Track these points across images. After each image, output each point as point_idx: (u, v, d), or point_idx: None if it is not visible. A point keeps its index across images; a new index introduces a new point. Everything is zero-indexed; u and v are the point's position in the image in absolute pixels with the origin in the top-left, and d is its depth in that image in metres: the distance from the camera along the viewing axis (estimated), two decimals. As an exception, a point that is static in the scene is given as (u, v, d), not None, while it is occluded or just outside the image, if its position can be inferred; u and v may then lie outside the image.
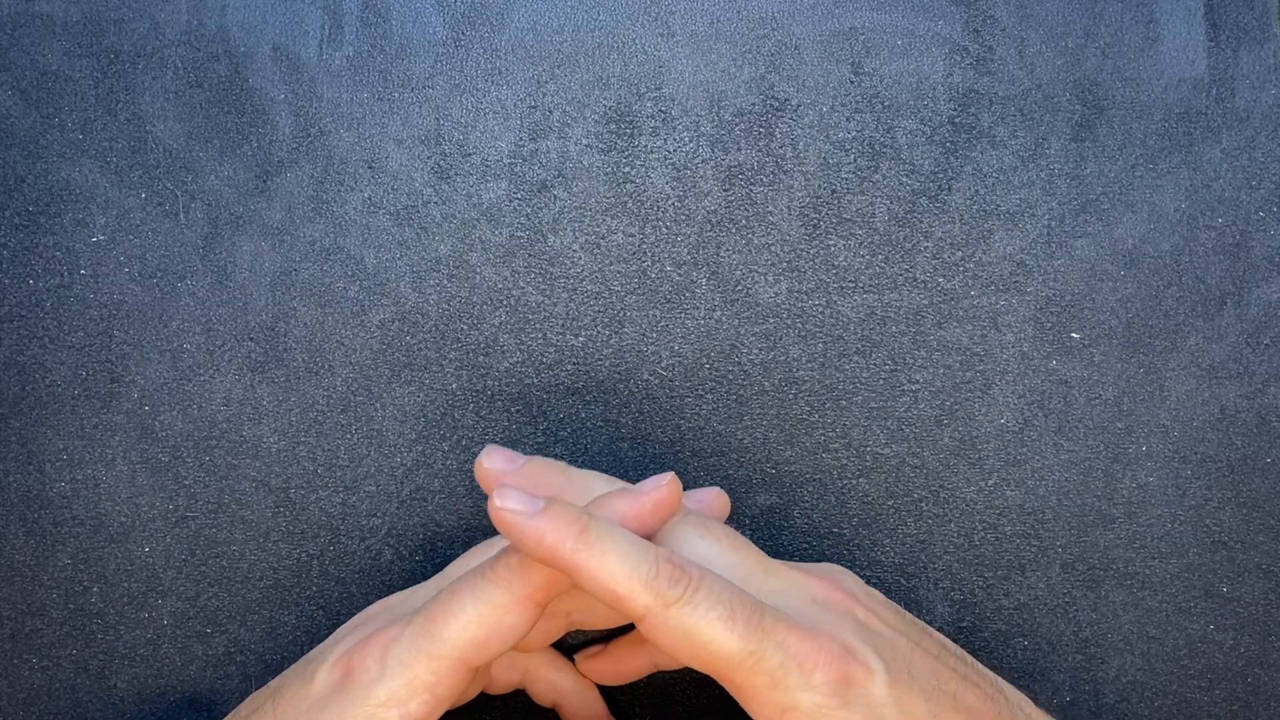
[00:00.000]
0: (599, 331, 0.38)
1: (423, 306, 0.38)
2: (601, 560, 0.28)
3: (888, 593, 0.37)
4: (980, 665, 0.33)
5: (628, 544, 0.28)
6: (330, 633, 0.34)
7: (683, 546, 0.31)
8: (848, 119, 0.38)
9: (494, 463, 0.32)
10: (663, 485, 0.30)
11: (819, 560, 0.37)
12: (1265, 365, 0.37)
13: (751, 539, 0.37)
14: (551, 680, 0.35)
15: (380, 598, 0.37)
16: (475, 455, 0.37)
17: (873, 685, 0.28)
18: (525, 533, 0.28)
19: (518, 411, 0.37)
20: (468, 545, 0.37)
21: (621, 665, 0.35)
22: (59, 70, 0.39)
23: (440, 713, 0.29)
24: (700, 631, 0.28)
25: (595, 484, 0.33)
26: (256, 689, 0.33)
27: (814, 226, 0.38)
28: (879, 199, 0.38)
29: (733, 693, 0.29)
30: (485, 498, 0.37)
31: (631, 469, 0.37)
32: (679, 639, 0.28)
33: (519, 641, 0.30)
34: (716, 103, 0.39)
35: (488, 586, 0.29)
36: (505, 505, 0.28)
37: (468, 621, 0.29)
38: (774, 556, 0.37)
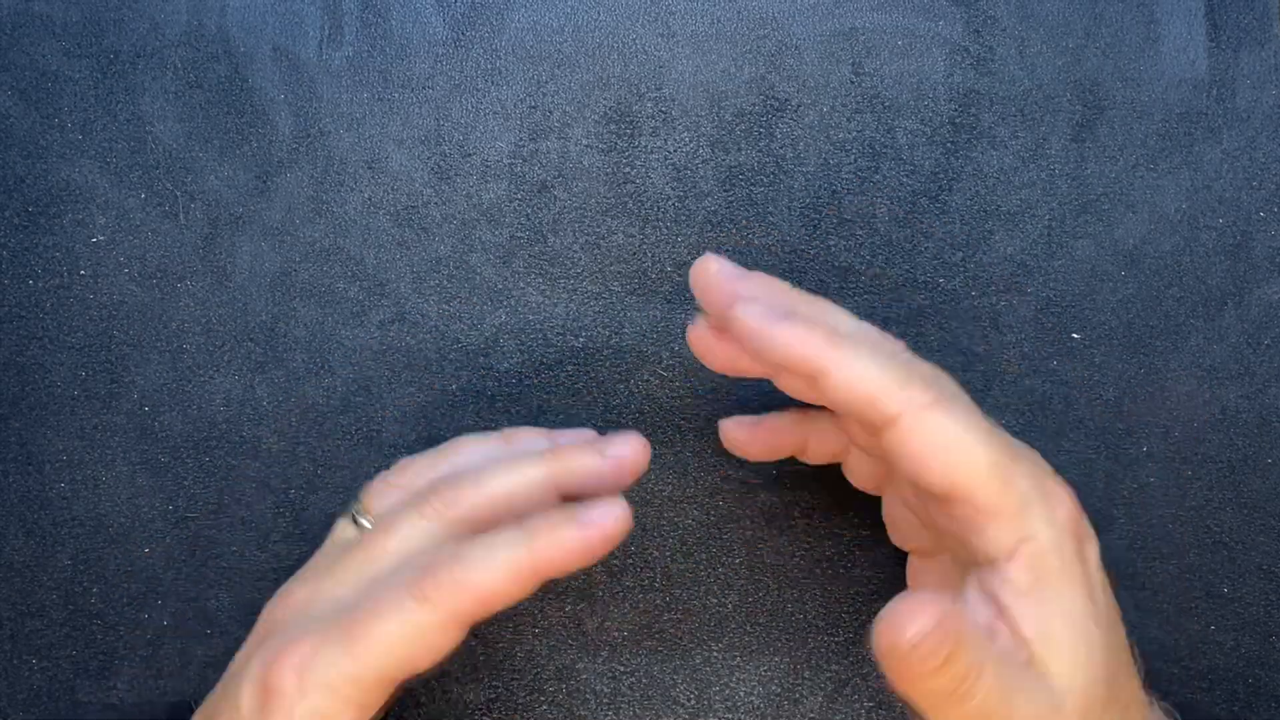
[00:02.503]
0: (599, 332, 0.38)
1: (423, 306, 0.38)
2: (855, 361, 0.27)
3: (889, 593, 0.37)
4: None
5: (879, 350, 0.28)
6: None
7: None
8: (848, 119, 0.38)
9: (723, 267, 0.30)
10: (616, 514, 0.28)
11: (812, 569, 0.37)
12: (1266, 366, 0.37)
13: (751, 539, 0.37)
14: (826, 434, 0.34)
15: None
16: (475, 455, 0.37)
17: (1090, 551, 0.28)
18: (774, 337, 0.27)
19: (518, 411, 0.37)
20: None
21: (774, 438, 0.33)
22: (59, 70, 0.39)
23: (370, 714, 0.28)
24: (956, 438, 0.27)
25: (826, 307, 0.30)
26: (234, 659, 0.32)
27: (814, 226, 0.38)
28: (879, 199, 0.38)
29: (962, 519, 0.27)
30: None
31: (631, 469, 0.37)
32: (931, 444, 0.27)
33: (442, 658, 0.28)
34: (717, 103, 0.39)
35: (413, 606, 0.28)
36: (749, 310, 0.28)
37: (391, 643, 0.27)
38: (773, 557, 0.37)
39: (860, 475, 0.34)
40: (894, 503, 0.33)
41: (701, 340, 0.31)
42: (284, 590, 0.32)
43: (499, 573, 0.28)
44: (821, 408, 0.33)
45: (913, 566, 0.33)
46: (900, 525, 0.33)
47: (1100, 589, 0.28)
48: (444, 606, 0.28)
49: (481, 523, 0.30)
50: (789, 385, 0.31)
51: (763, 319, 0.28)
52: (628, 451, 0.31)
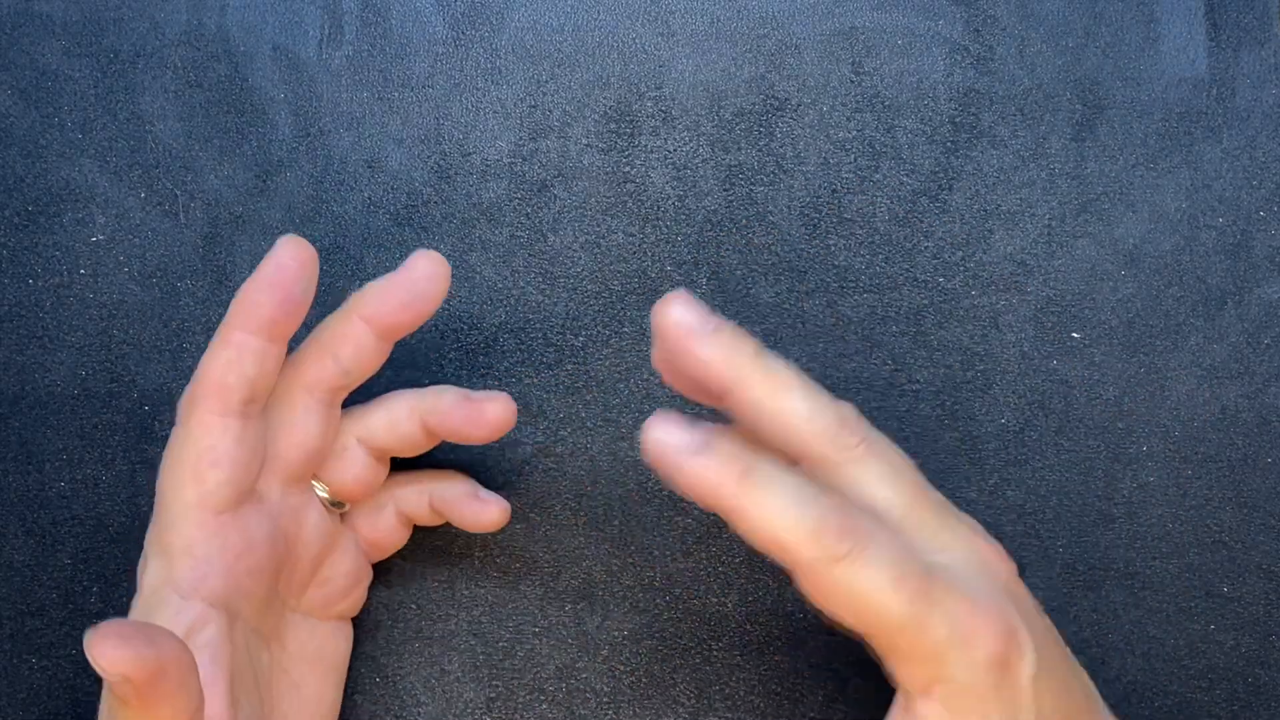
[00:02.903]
0: (599, 331, 0.38)
1: (423, 306, 0.38)
2: (764, 506, 0.26)
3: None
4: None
5: (795, 490, 0.26)
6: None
7: (860, 486, 0.28)
8: (848, 119, 0.38)
9: (684, 314, 0.27)
10: (281, 249, 0.30)
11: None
12: (1266, 365, 0.37)
13: (751, 539, 0.37)
14: (417, 491, 0.34)
15: (379, 598, 0.37)
16: (475, 455, 0.37)
17: (1021, 671, 0.27)
18: (683, 472, 0.26)
19: (518, 411, 0.37)
20: (468, 546, 0.37)
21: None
22: (59, 70, 0.39)
23: (222, 564, 0.29)
24: (865, 593, 0.26)
25: (781, 390, 0.28)
26: None
27: (814, 226, 0.38)
28: (879, 199, 0.38)
29: (881, 653, 0.27)
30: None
31: (631, 469, 0.37)
32: (840, 598, 0.26)
33: (248, 462, 0.30)
34: (717, 102, 0.39)
35: (173, 432, 0.30)
36: (662, 437, 0.26)
37: (171, 470, 0.30)
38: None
39: None
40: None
41: (661, 365, 0.30)
42: None
43: (211, 350, 0.30)
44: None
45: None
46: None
47: (1034, 703, 0.27)
48: (189, 408, 0.30)
49: None
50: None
51: (676, 450, 0.26)
52: (495, 405, 0.32)
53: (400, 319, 0.31)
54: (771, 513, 0.26)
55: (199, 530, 0.29)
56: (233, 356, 0.30)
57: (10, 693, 0.36)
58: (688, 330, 0.27)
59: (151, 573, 0.30)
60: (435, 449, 0.35)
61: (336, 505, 0.33)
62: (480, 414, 0.32)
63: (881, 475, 0.28)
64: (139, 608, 0.29)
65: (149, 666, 0.23)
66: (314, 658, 0.33)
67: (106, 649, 0.23)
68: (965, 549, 0.29)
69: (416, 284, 0.31)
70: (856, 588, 0.26)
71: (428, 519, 0.35)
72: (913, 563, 0.27)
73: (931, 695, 0.27)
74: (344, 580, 0.34)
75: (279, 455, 0.32)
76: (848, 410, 0.28)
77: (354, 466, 0.33)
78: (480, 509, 0.34)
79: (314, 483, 0.33)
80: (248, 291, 0.30)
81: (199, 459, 0.30)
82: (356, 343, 0.31)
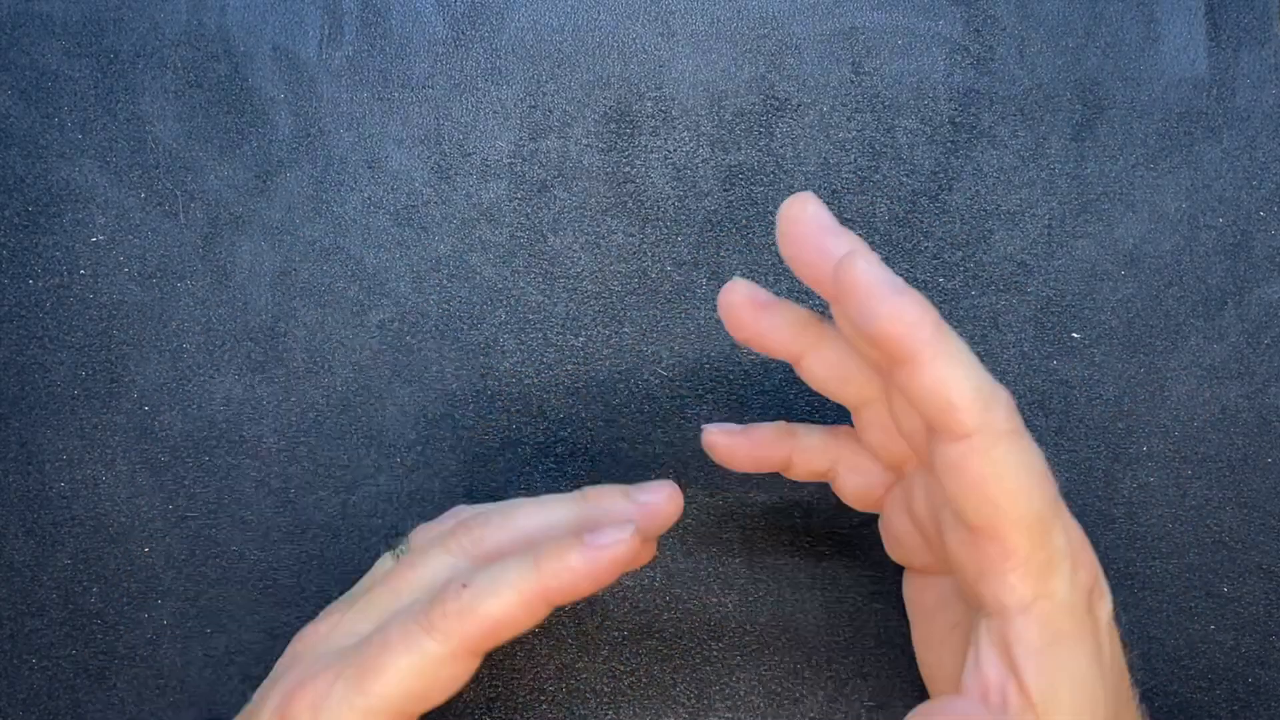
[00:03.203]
0: (599, 331, 0.38)
1: (423, 306, 0.38)
2: (951, 362, 0.25)
3: (889, 592, 0.37)
4: None
5: (975, 361, 0.26)
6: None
7: (1002, 468, 0.27)
8: (848, 119, 0.38)
9: (820, 213, 0.27)
10: (623, 538, 0.28)
11: (812, 569, 0.37)
12: (1266, 365, 0.37)
13: (751, 539, 0.37)
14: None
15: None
16: (475, 455, 0.37)
17: (1103, 610, 0.28)
18: (889, 304, 0.25)
19: (518, 411, 0.37)
20: (468, 545, 0.37)
21: (757, 449, 0.32)
22: (59, 70, 0.39)
23: None
24: (1016, 477, 0.25)
25: (960, 347, 0.26)
26: (255, 689, 0.33)
27: (814, 226, 0.38)
28: (879, 199, 0.38)
29: (985, 555, 0.26)
30: (486, 497, 0.37)
31: (631, 469, 0.37)
32: (989, 475, 0.25)
33: (457, 690, 0.28)
34: (717, 102, 0.39)
35: (423, 638, 0.28)
36: (868, 267, 0.25)
37: (402, 677, 0.27)
38: (773, 557, 0.37)
39: (853, 492, 0.33)
40: (897, 518, 0.32)
41: (740, 305, 0.30)
42: (314, 621, 0.32)
43: (507, 599, 0.28)
44: (813, 426, 0.33)
45: (910, 584, 0.33)
46: (903, 541, 0.32)
47: (1108, 649, 0.28)
48: (454, 636, 0.28)
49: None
50: (814, 372, 0.30)
51: (880, 282, 0.25)
52: (657, 498, 0.30)
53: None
54: (956, 370, 0.25)
55: None
56: (523, 620, 0.28)
57: (10, 693, 0.36)
58: (880, 284, 0.25)
59: None
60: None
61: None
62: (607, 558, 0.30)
63: (1022, 467, 0.27)
64: None
65: None
66: None
67: None
68: (1071, 531, 0.29)
69: (653, 528, 0.30)
70: (1008, 470, 0.25)
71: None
72: (1049, 475, 0.27)
73: (1031, 612, 0.26)
74: None
75: None
76: (1004, 394, 0.27)
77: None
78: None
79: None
80: (576, 569, 0.28)
81: (433, 687, 0.28)
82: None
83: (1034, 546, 0.26)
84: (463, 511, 0.33)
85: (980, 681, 0.27)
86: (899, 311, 0.25)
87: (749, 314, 0.30)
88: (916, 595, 0.33)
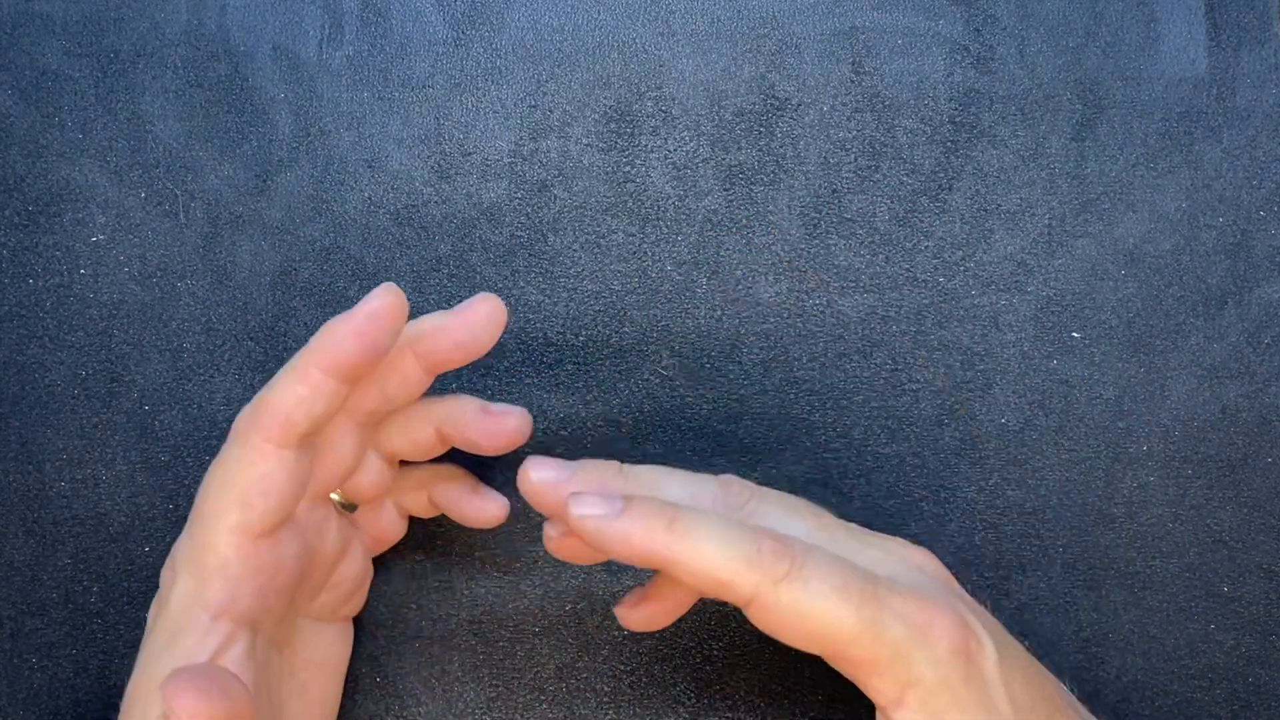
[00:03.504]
0: (599, 331, 0.38)
1: (423, 306, 0.38)
2: (698, 547, 0.26)
3: (888, 593, 0.37)
4: None
5: (723, 526, 0.27)
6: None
7: (769, 526, 0.29)
8: (848, 118, 0.38)
9: (543, 474, 0.30)
10: (377, 296, 0.29)
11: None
12: (1266, 365, 0.37)
13: (752, 539, 0.37)
14: (417, 484, 0.34)
15: (379, 598, 0.37)
16: (475, 455, 0.37)
17: (985, 660, 0.27)
18: (612, 535, 0.26)
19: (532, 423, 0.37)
20: (468, 545, 0.37)
21: (667, 600, 0.33)
22: (59, 70, 0.39)
23: (253, 586, 0.29)
24: (815, 607, 0.26)
25: (659, 480, 0.30)
26: None
27: (814, 226, 0.38)
28: (879, 198, 0.38)
29: (847, 671, 0.27)
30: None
31: (631, 469, 0.37)
32: (791, 619, 0.26)
33: (296, 491, 0.30)
34: (717, 102, 0.39)
35: (226, 449, 0.30)
36: (585, 513, 0.27)
37: (219, 492, 0.29)
38: (774, 556, 0.37)
39: None
40: None
41: (556, 544, 0.31)
42: None
43: (285, 382, 0.29)
44: None
45: None
46: None
47: (1005, 690, 0.27)
48: (250, 433, 0.29)
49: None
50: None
51: (599, 519, 0.27)
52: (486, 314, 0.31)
53: (450, 357, 0.31)
54: (707, 551, 0.26)
55: (235, 553, 0.29)
56: (305, 394, 0.29)
57: (10, 693, 0.36)
58: (596, 520, 0.27)
59: (180, 590, 0.29)
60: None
61: (348, 508, 0.33)
62: (499, 426, 0.32)
63: (784, 510, 0.29)
64: (164, 624, 0.29)
65: (223, 716, 0.24)
66: (320, 660, 0.33)
67: (186, 701, 0.24)
68: (896, 557, 0.30)
69: (473, 327, 0.30)
70: (804, 605, 0.26)
71: (427, 512, 0.35)
72: (854, 570, 0.27)
73: (906, 704, 0.27)
74: (352, 583, 0.34)
75: (316, 477, 0.31)
76: (765, 537, 0.27)
77: (369, 472, 0.33)
78: (481, 505, 0.34)
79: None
80: (336, 332, 0.29)
81: (249, 486, 0.29)
82: (404, 375, 0.31)
83: (871, 651, 0.26)
84: None
85: None
86: (624, 535, 0.26)
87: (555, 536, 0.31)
88: None
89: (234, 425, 0.30)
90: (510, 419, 0.32)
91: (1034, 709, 0.28)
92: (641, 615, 0.33)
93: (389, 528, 0.35)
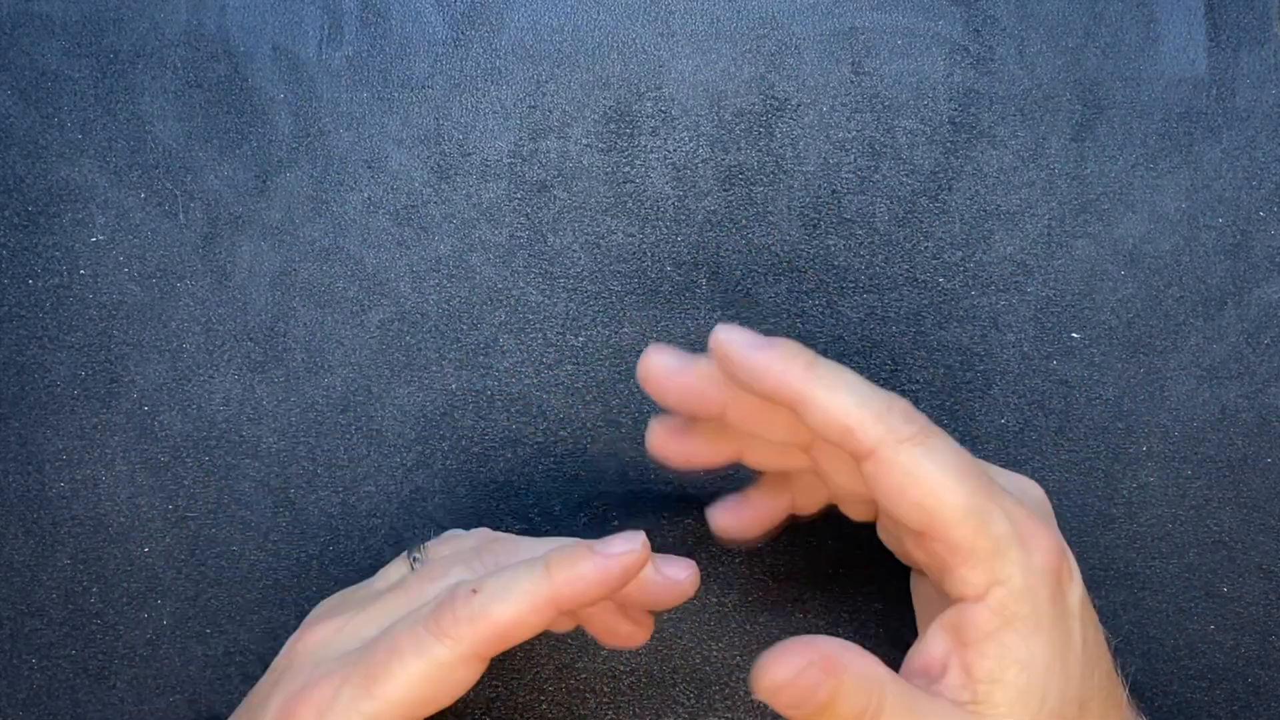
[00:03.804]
0: (599, 331, 0.38)
1: (423, 306, 0.38)
2: (832, 391, 0.27)
3: (889, 592, 0.37)
4: None
5: (859, 380, 0.27)
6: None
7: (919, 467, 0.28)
8: (848, 119, 0.38)
9: (731, 335, 0.28)
10: (635, 549, 0.28)
11: (812, 569, 0.37)
12: (1266, 365, 0.37)
13: (751, 539, 0.37)
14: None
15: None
16: (475, 455, 0.37)
17: (1071, 591, 0.28)
18: (753, 363, 0.27)
19: (518, 411, 0.37)
20: (468, 545, 0.37)
21: (760, 511, 0.33)
22: (59, 70, 0.39)
23: None
24: (931, 477, 0.26)
25: (840, 373, 0.28)
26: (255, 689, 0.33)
27: (814, 226, 0.38)
28: (879, 199, 0.38)
29: (936, 557, 0.27)
30: (486, 497, 0.37)
31: (631, 469, 0.37)
32: (905, 482, 0.26)
33: (462, 694, 0.28)
34: (716, 102, 0.39)
35: (432, 643, 0.27)
36: (731, 338, 0.27)
37: (411, 682, 0.27)
38: (773, 557, 0.37)
39: (853, 510, 0.33)
40: (886, 526, 0.33)
41: (660, 441, 0.31)
42: (313, 617, 0.32)
43: (518, 603, 0.28)
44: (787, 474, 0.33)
45: (918, 582, 0.33)
46: (898, 545, 0.32)
47: (1081, 629, 0.28)
48: (463, 641, 0.27)
49: None
50: (756, 457, 0.31)
51: (745, 345, 0.27)
52: (633, 560, 0.29)
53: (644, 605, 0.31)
54: (840, 395, 0.27)
55: None
56: (533, 623, 0.28)
57: (10, 693, 0.36)
58: (742, 345, 0.27)
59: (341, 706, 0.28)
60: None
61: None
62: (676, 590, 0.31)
63: (934, 464, 0.27)
64: None
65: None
66: None
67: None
68: (1014, 481, 0.30)
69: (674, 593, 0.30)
70: (921, 471, 0.26)
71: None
72: (975, 462, 0.27)
73: (986, 600, 0.27)
74: None
75: None
76: (899, 400, 0.28)
77: None
78: (671, 572, 0.31)
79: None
80: (586, 575, 0.28)
81: (440, 691, 0.28)
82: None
83: (974, 536, 0.27)
84: (488, 534, 0.33)
85: (923, 658, 0.28)
86: (766, 363, 0.27)
87: (672, 375, 0.30)
88: (922, 590, 0.33)
89: (437, 615, 0.28)
90: (681, 572, 0.31)
91: (1096, 662, 0.28)
92: (733, 519, 0.33)
93: None
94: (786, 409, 0.28)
